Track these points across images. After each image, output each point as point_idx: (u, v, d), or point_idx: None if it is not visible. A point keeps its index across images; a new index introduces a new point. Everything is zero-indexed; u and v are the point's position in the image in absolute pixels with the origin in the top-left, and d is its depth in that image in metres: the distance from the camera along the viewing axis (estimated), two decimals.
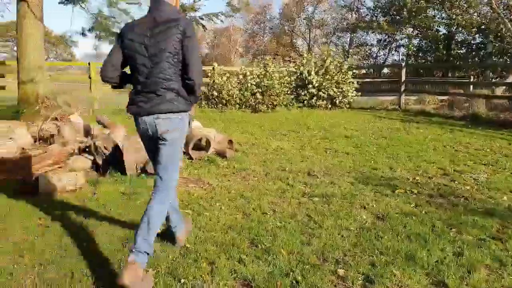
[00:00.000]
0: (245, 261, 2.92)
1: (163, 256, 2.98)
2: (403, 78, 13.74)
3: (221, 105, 12.33)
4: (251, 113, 11.96)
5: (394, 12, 28.01)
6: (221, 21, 14.79)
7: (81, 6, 12.21)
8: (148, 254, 2.55)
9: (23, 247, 3.09)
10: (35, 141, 5.85)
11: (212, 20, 13.86)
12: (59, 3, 12.78)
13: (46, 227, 3.52)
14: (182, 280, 2.66)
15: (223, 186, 4.80)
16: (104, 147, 5.24)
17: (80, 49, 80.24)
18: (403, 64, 14.48)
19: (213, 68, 13.89)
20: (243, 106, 12.41)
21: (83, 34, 12.38)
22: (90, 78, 13.11)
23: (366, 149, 7.09)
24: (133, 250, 2.50)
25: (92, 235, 3.34)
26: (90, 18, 12.25)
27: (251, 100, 12.24)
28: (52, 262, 2.85)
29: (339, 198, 4.43)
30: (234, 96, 12.22)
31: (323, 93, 13.09)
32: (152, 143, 2.78)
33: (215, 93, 12.26)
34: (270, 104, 12.15)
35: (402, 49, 32.11)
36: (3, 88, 13.92)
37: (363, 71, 18.36)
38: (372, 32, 31.42)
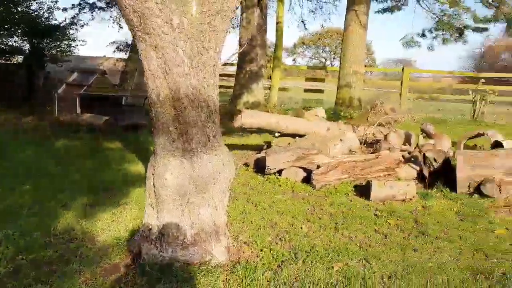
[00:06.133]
0: None
1: None
2: None
3: None
4: None
5: None
6: None
7: (423, 8, 12.23)
8: None
9: (368, 253, 3.11)
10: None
11: None
12: (375, 12, 13.23)
13: (384, 236, 3.49)
14: None
15: None
16: (434, 159, 4.95)
17: (381, 54, 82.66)
18: None
19: None
20: None
21: (423, 35, 12.36)
22: (401, 84, 13.10)
23: None
24: None
25: (435, 255, 3.09)
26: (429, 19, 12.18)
27: None
28: (401, 277, 2.74)
29: None
30: None
31: None
32: None
33: None
34: None
35: None
36: (322, 91, 15.50)
37: None
38: None
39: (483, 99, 10.84)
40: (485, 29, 11.67)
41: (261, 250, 3.04)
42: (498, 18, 10.97)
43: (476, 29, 11.47)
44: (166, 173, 2.69)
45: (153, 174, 2.78)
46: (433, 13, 11.61)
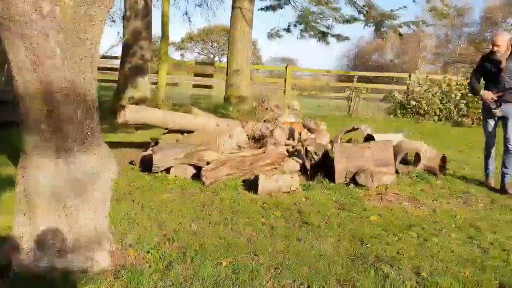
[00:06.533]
0: None
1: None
2: None
3: (417, 115, 11.54)
4: (452, 127, 10.89)
5: None
6: (422, 30, 13.80)
7: (291, 4, 12.57)
8: (510, 177, 4.96)
9: (256, 246, 3.18)
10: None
11: (412, 28, 12.95)
12: (258, 9, 13.57)
13: (271, 227, 3.60)
14: None
15: (444, 209, 4.31)
16: (315, 152, 5.24)
17: (266, 53, 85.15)
18: None
19: (409, 75, 13.14)
20: (443, 118, 11.38)
21: (288, 29, 12.74)
22: (285, 81, 13.67)
23: None
24: (506, 175, 4.95)
25: (317, 244, 3.27)
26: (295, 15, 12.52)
27: (453, 112, 11.15)
28: (286, 267, 2.84)
29: None
30: (434, 107, 11.29)
31: None
32: (496, 123, 5.10)
33: (413, 103, 11.52)
34: (476, 118, 10.87)
35: None
36: (210, 87, 15.51)
37: None
38: None
39: (357, 96, 11.81)
40: (347, 38, 12.60)
41: (148, 252, 2.93)
42: (368, 22, 11.97)
43: (338, 37, 12.30)
44: (39, 175, 2.45)
45: (23, 177, 2.51)
46: (298, 10, 12.11)
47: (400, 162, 5.73)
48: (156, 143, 5.84)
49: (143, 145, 6.51)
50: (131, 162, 5.56)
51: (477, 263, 3.06)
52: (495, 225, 3.91)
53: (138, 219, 3.60)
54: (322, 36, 11.88)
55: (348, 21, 11.54)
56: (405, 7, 11.42)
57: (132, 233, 3.24)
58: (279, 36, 12.15)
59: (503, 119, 5.00)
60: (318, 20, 11.64)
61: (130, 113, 5.30)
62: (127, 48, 10.78)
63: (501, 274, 2.91)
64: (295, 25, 12.24)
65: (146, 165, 5.21)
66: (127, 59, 10.86)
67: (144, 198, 4.20)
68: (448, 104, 11.27)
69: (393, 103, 12.48)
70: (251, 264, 2.85)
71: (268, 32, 12.30)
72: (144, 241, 3.11)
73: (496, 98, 4.94)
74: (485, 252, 3.30)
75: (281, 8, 12.92)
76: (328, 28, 11.96)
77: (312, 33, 11.82)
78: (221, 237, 3.31)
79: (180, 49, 48.84)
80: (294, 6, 12.10)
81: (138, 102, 10.29)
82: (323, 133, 6.30)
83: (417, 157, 5.85)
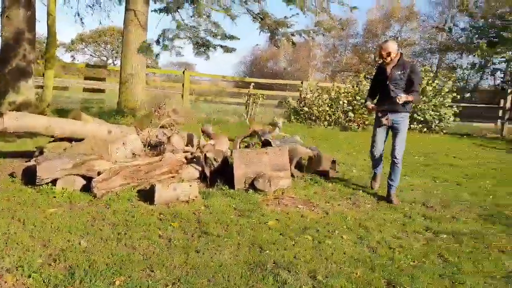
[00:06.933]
0: None
1: None
2: (509, 105, 12.69)
3: (310, 121, 12.13)
4: (340, 131, 11.62)
5: (494, 34, 26.06)
6: (313, 38, 14.53)
7: (172, 15, 12.15)
8: (395, 188, 5.08)
9: (152, 261, 3.03)
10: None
11: (304, 37, 13.55)
12: (152, 10, 13.09)
13: (168, 240, 3.47)
14: None
15: (335, 211, 4.54)
16: (214, 158, 5.21)
17: (165, 56, 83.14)
18: (510, 89, 13.39)
19: (302, 82, 13.77)
20: (333, 124, 12.10)
21: (157, 41, 12.29)
22: (183, 86, 13.50)
23: (481, 181, 6.48)
24: (392, 186, 5.07)
25: (216, 254, 3.23)
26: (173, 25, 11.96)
27: (341, 118, 11.91)
28: (185, 281, 2.75)
29: (469, 237, 4.00)
30: (324, 113, 11.96)
31: (418, 115, 12.42)
32: (386, 131, 5.24)
33: (306, 109, 12.09)
34: (362, 123, 11.75)
35: (498, 73, 29.69)
36: (103, 91, 14.72)
37: (467, 95, 16.98)
38: (469, 55, 29.34)
39: (254, 102, 12.06)
40: (234, 49, 12.67)
41: (29, 276, 2.63)
42: (263, 29, 12.24)
43: (224, 49, 12.29)
44: None
45: None
46: (177, 20, 11.76)
47: (295, 167, 5.93)
48: (41, 152, 5.34)
49: (26, 155, 5.92)
50: (11, 174, 5.00)
51: (367, 263, 3.26)
52: (382, 224, 4.22)
53: (19, 238, 3.23)
54: (204, 50, 11.60)
55: (228, 37, 11.51)
56: (297, 14, 11.89)
57: (10, 256, 2.90)
58: (151, 51, 11.63)
59: (394, 129, 5.12)
60: (196, 34, 11.39)
61: (9, 120, 4.78)
62: (7, 49, 9.77)
63: (388, 272, 3.12)
64: (163, 39, 11.78)
65: (29, 177, 4.72)
66: (7, 61, 9.83)
67: (27, 214, 3.79)
68: (336, 110, 12.00)
69: (287, 109, 12.97)
70: (147, 281, 2.71)
71: (139, 47, 11.58)
72: (25, 263, 2.79)
73: (371, 108, 5.21)
74: (373, 251, 3.54)
75: (176, 12, 12.65)
76: (207, 41, 11.73)
77: (194, 46, 11.54)
78: (114, 253, 3.10)
79: (71, 50, 45.83)
80: (172, 18, 11.71)
81: (21, 107, 9.36)
82: (222, 139, 6.29)
83: (310, 160, 6.11)
